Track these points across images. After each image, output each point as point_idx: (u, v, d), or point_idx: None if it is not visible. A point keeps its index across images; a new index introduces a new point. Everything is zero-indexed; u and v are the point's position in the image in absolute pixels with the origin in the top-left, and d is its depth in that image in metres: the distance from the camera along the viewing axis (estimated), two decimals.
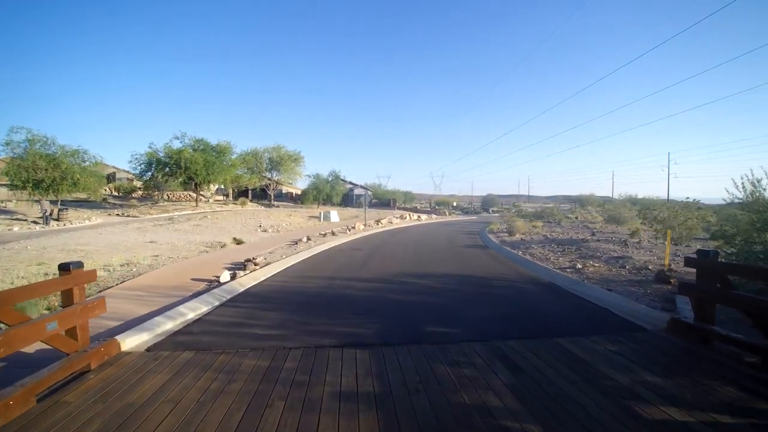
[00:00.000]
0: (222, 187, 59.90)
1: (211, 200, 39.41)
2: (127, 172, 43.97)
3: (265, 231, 20.77)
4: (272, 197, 44.59)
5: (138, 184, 53.18)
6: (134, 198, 43.51)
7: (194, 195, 52.62)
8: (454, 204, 76.36)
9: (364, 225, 25.65)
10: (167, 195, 43.66)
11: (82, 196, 43.12)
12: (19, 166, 21.07)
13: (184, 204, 33.53)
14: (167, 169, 29.61)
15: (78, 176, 22.53)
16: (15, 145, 21.31)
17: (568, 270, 9.61)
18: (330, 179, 45.41)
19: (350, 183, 57.51)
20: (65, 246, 14.33)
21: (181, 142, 31.17)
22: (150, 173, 31.08)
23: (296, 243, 15.67)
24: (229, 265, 10.46)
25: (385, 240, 18.62)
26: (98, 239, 16.49)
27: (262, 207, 38.32)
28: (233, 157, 35.68)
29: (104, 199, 40.70)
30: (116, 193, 48.98)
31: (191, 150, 30.54)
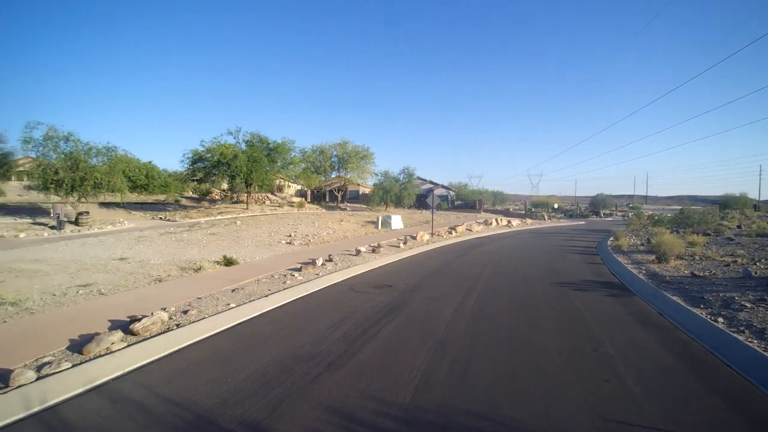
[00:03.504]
0: (302, 188, 58.23)
1: (266, 203, 36.34)
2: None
3: (290, 243, 15.78)
4: (340, 198, 40.35)
5: (224, 185, 53.48)
6: (206, 200, 42.71)
7: (272, 197, 51.03)
8: (555, 206, 65.46)
9: (431, 234, 19.42)
10: (243, 197, 41.98)
11: (161, 197, 43.64)
12: (39, 165, 19.12)
13: (235, 207, 30.51)
14: (213, 169, 26.54)
15: (98, 176, 19.91)
16: (35, 144, 19.29)
17: None
18: (401, 178, 39.38)
19: (430, 182, 51.06)
20: (10, 262, 10.71)
21: (234, 139, 28.05)
22: (191, 171, 28.49)
23: (301, 268, 10.20)
24: (94, 333, 5.21)
25: (445, 264, 12.26)
26: (72, 252, 12.88)
27: (324, 209, 34.16)
28: (293, 155, 31.88)
29: (177, 201, 40.27)
30: (193, 195, 49.37)
31: (241, 147, 27.16)
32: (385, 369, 4.26)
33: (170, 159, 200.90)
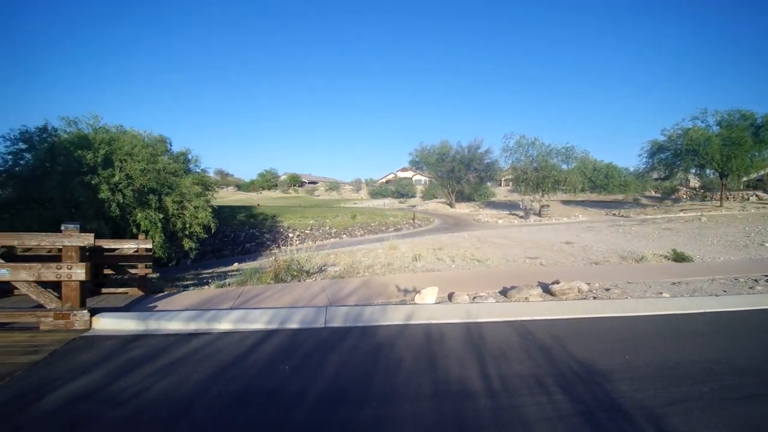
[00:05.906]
0: None
1: (751, 200, 26.71)
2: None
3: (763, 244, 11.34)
4: None
5: (692, 182, 47.06)
6: (670, 199, 38.15)
7: (761, 194, 38.39)
8: None
9: None
10: (717, 196, 34.42)
11: (619, 196, 43.45)
12: (513, 168, 23.66)
13: (703, 205, 24.87)
14: (676, 159, 22.62)
15: (556, 173, 22.09)
16: (510, 151, 23.89)
17: None
18: None
19: None
20: (488, 237, 14.50)
21: (701, 122, 22.84)
22: (649, 165, 25.17)
23: None
24: None
25: None
26: (530, 234, 15.48)
27: None
28: None
29: (635, 200, 38.69)
30: (654, 194, 45.69)
31: (712, 130, 21.67)
32: None
33: (630, 159, 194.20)
